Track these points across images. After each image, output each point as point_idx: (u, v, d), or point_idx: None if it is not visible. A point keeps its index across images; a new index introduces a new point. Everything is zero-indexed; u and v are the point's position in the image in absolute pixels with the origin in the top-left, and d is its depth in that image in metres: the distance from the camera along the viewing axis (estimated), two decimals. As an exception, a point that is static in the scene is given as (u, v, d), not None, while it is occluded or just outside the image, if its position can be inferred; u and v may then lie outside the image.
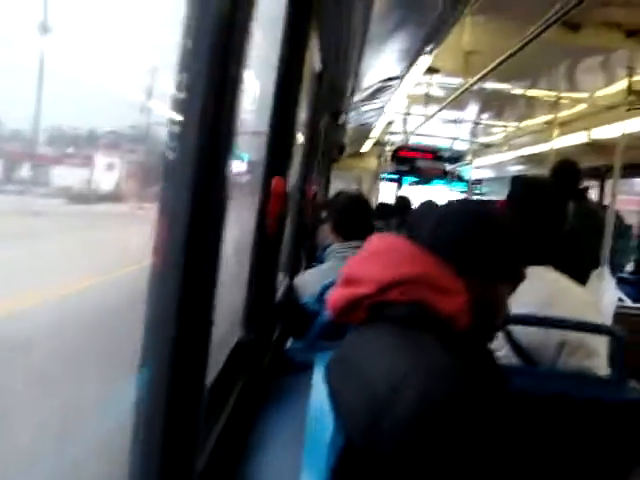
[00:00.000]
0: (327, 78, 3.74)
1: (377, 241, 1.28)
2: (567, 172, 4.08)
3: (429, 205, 4.21)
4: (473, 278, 1.21)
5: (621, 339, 1.79)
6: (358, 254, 1.28)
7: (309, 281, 2.79)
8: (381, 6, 2.66)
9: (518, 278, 1.28)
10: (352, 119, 6.83)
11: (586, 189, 4.17)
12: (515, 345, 1.81)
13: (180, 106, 0.90)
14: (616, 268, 4.08)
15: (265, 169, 1.77)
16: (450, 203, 1.35)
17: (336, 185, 12.05)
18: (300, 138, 3.49)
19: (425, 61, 3.87)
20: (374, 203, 10.77)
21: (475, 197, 12.97)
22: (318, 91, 3.35)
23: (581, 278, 3.49)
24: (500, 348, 1.82)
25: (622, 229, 4.38)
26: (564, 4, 2.49)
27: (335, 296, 1.26)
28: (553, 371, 1.82)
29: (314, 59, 2.95)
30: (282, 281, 3.17)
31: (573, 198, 3.76)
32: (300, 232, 3.74)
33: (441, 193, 12.40)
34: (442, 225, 1.25)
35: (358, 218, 2.90)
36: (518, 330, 1.81)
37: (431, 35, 3.35)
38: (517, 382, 1.75)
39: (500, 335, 1.81)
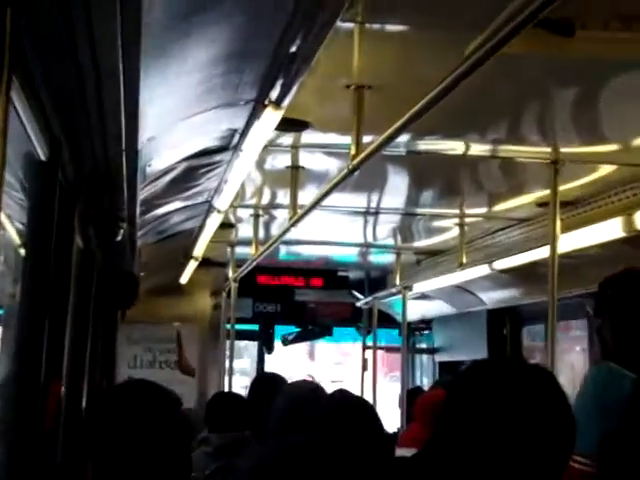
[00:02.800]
0: (72, 165, 3.84)
1: None
2: None
3: (300, 397, 4.35)
4: None
5: None
6: None
7: None
8: (156, 29, 2.78)
9: None
10: (148, 229, 7.02)
11: None
12: None
13: None
14: None
15: None
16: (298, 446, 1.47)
17: (132, 352, 11.93)
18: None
19: (272, 117, 4.10)
20: (213, 390, 10.69)
21: (425, 357, 13.32)
22: (49, 190, 3.43)
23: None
24: None
25: None
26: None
27: None
28: None
29: (33, 139, 3.04)
30: None
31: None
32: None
33: (353, 356, 12.69)
34: None
35: (142, 467, 2.91)
36: None
37: (275, 71, 3.60)
38: None
39: None
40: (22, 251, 3.65)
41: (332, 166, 6.22)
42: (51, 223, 3.54)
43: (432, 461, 2.15)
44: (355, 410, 3.92)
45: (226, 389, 10.05)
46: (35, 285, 3.55)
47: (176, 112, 4.17)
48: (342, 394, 4.22)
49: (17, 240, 3.64)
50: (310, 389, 4.72)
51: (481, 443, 2.12)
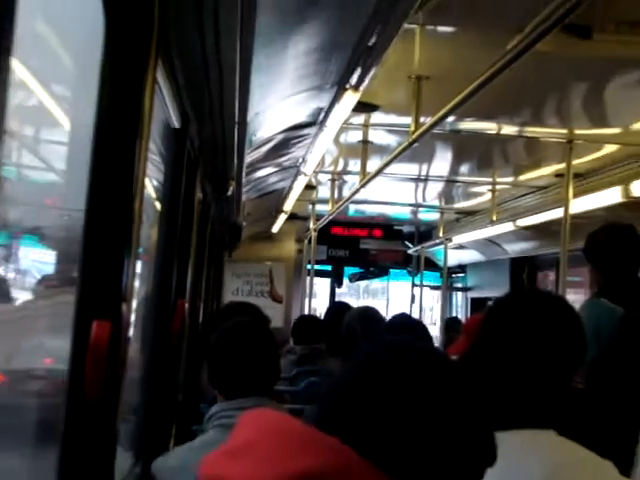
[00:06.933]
0: (197, 134, 3.92)
1: (252, 422, 1.26)
2: (625, 245, 4.20)
3: (365, 317, 4.72)
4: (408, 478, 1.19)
5: None
6: (224, 444, 1.25)
7: (175, 469, 2.73)
8: (267, 26, 2.79)
9: (485, 464, 1.28)
10: (250, 187, 7.16)
11: None
12: None
13: None
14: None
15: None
16: (371, 352, 1.31)
17: (235, 284, 12.45)
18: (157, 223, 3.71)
19: (350, 99, 4.14)
20: (296, 314, 10.99)
21: (458, 293, 13.47)
22: (180, 153, 3.51)
23: (623, 437, 3.39)
24: None
25: None
26: None
27: None
28: None
29: (170, 111, 3.09)
30: (129, 474, 3.09)
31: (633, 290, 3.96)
32: (165, 378, 3.76)
33: (403, 290, 13.03)
34: (354, 394, 1.24)
35: (245, 363, 2.92)
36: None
37: (355, 61, 3.61)
38: None
39: None
40: (157, 203, 3.75)
41: (394, 141, 6.29)
42: (180, 180, 3.63)
43: (473, 363, 2.12)
44: (414, 325, 4.45)
45: (307, 312, 10.77)
46: (167, 229, 3.67)
47: (277, 93, 4.21)
48: (403, 315, 4.75)
49: (153, 194, 3.71)
50: (374, 311, 5.06)
51: (513, 348, 2.09)
